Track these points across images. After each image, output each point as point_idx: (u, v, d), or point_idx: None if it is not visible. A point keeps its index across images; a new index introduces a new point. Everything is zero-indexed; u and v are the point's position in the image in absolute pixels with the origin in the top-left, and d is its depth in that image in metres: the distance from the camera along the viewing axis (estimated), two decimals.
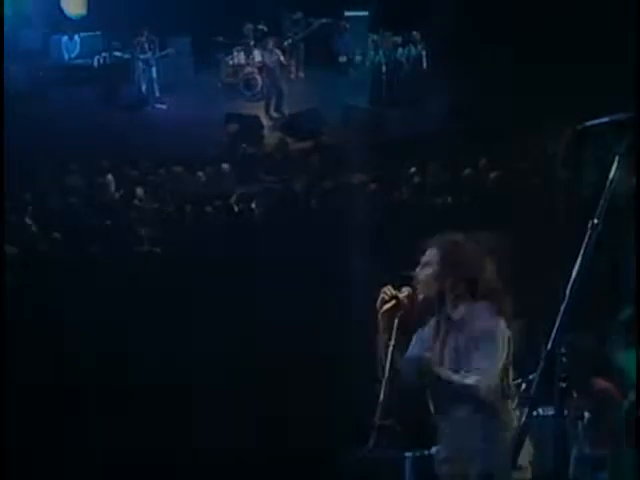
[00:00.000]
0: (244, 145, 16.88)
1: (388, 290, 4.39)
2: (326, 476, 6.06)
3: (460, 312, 4.39)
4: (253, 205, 13.02)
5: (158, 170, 14.80)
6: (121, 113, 18.90)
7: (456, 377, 4.27)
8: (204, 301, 9.38)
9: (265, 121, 18.50)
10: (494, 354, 4.24)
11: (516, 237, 4.82)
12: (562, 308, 3.21)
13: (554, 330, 3.23)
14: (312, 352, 7.87)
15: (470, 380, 4.21)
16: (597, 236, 3.16)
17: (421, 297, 4.41)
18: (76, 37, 20.53)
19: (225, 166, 15.20)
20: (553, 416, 3.21)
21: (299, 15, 20.92)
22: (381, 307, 4.36)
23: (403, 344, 4.36)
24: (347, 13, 21.71)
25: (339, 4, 21.26)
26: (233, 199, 13.19)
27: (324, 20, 21.08)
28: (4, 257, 9.66)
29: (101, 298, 9.32)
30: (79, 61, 20.49)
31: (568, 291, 3.20)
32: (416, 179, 13.54)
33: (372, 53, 19.86)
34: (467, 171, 13.58)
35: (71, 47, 20.53)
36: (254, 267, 10.07)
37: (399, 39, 19.93)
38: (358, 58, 20.94)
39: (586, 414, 4.17)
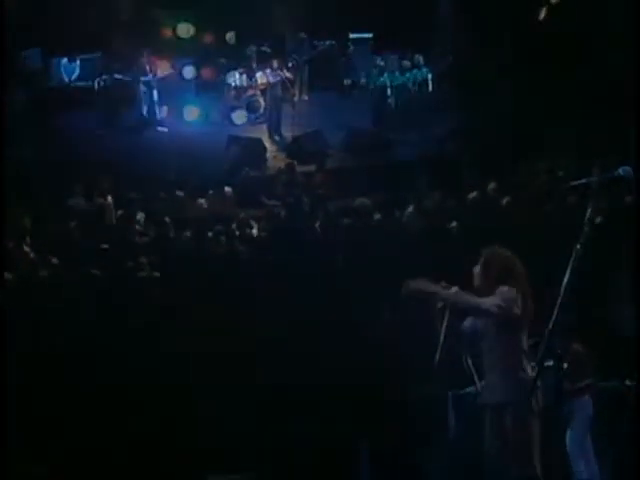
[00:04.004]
0: (246, 168, 16.94)
1: None
2: (397, 408, 8.11)
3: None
4: (255, 229, 13.07)
5: (159, 194, 14.86)
6: (122, 136, 19.00)
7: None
8: (204, 326, 9.42)
9: (268, 144, 18.57)
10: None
11: (522, 252, 6.65)
12: (558, 302, 5.16)
13: (554, 315, 5.20)
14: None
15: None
16: (580, 255, 5.16)
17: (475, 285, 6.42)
18: (76, 59, 20.67)
19: (227, 190, 15.26)
20: (552, 367, 5.42)
21: (303, 37, 21.02)
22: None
23: (453, 323, 6.34)
24: (352, 35, 21.83)
25: (344, 26, 21.37)
26: (235, 223, 13.23)
27: (328, 42, 21.20)
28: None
29: (101, 323, 9.37)
30: (79, 83, 20.63)
31: (562, 290, 5.16)
32: (421, 203, 13.58)
33: (377, 75, 19.95)
34: (473, 195, 13.62)
35: (71, 69, 20.67)
36: (256, 292, 10.13)
37: (404, 62, 20.03)
38: (362, 80, 21.03)
39: (565, 365, 5.84)
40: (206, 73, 20.77)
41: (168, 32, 20.80)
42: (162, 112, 19.80)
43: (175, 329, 9.34)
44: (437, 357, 6.09)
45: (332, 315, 9.46)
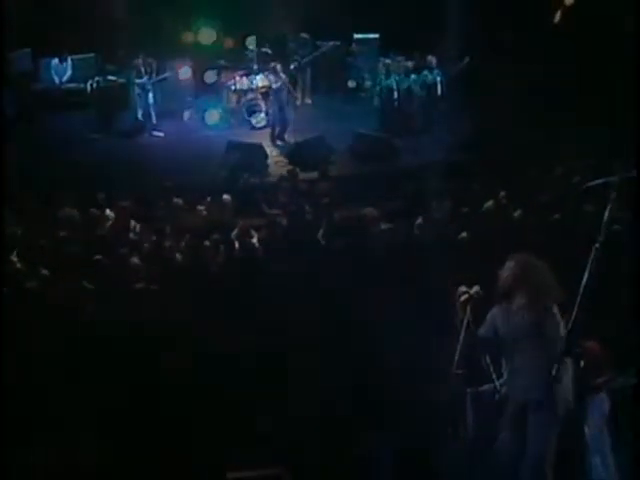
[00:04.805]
0: (246, 175, 16.95)
1: (462, 288, 7.18)
2: (423, 405, 8.56)
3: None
4: (255, 239, 13.06)
5: (155, 202, 14.86)
6: (115, 141, 19.03)
7: None
8: (202, 342, 9.43)
9: (269, 150, 18.58)
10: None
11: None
12: (577, 301, 6.00)
13: (572, 316, 6.07)
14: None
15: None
16: (598, 255, 5.82)
17: (501, 291, 7.14)
18: (67, 60, 20.71)
19: (226, 197, 15.25)
20: (571, 365, 6.52)
21: (306, 37, 21.04)
22: (458, 299, 7.10)
23: (473, 323, 7.08)
24: (357, 35, 21.87)
25: (348, 26, 21.38)
26: (234, 233, 13.24)
27: (332, 43, 21.22)
28: None
29: (94, 339, 9.37)
30: (71, 85, 20.67)
31: (581, 290, 5.95)
32: (430, 212, 13.59)
33: (383, 78, 19.95)
34: (485, 205, 13.63)
35: (62, 70, 20.71)
36: (256, 305, 10.13)
37: (412, 63, 20.02)
38: (368, 83, 21.06)
39: (582, 362, 7.01)
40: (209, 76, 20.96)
41: (168, 34, 20.90)
42: (185, 116, 19.96)
43: (172, 342, 9.36)
44: (457, 355, 6.79)
45: (339, 321, 9.63)
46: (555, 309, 7.04)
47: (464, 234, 12.23)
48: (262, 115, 19.78)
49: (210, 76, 20.66)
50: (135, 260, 11.87)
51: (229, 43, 21.44)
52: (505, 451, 7.24)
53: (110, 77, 20.00)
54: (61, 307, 10.19)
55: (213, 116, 19.91)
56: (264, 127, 19.48)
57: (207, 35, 21.12)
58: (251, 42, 20.79)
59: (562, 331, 6.94)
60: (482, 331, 7.24)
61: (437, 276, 9.51)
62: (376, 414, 8.82)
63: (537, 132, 17.02)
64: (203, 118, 19.94)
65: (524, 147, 16.49)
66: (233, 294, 10.68)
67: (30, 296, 10.48)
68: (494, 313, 7.28)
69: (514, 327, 7.14)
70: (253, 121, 19.84)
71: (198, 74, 20.94)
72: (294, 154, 18.22)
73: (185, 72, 20.53)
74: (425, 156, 17.58)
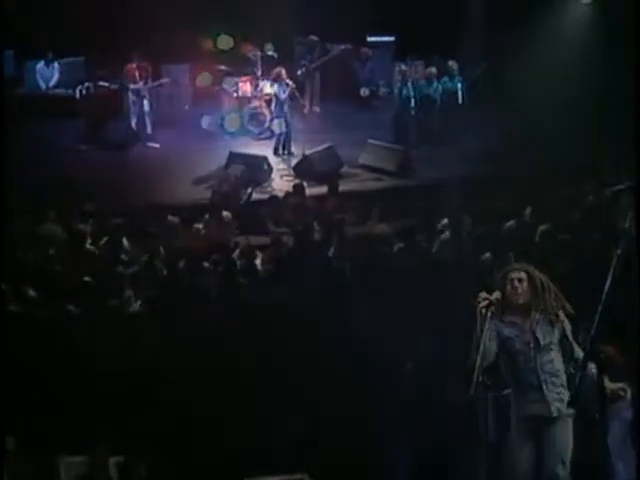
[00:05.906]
0: (249, 190, 16.98)
1: (483, 294, 7.41)
2: (442, 411, 9.12)
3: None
4: (259, 260, 13.10)
5: (149, 219, 14.89)
6: (107, 152, 19.05)
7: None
8: (199, 371, 9.47)
9: (274, 162, 18.62)
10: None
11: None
12: (599, 309, 6.30)
13: (595, 322, 6.39)
14: None
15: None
16: (620, 261, 6.15)
17: (520, 301, 7.59)
18: (55, 63, 20.78)
19: (226, 214, 15.28)
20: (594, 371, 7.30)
21: (315, 40, 21.08)
22: (478, 304, 7.32)
23: (493, 329, 7.44)
24: (370, 38, 21.90)
25: (361, 28, 21.42)
26: (236, 253, 13.28)
27: (343, 46, 21.27)
28: None
29: (82, 366, 9.41)
30: (58, 91, 20.74)
31: (604, 297, 6.26)
32: (449, 230, 13.61)
33: (399, 84, 19.98)
34: (509, 223, 13.64)
35: (48, 75, 20.79)
36: (259, 330, 10.16)
37: (431, 69, 20.04)
38: (383, 90, 21.08)
39: (604, 369, 7.36)
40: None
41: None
42: (204, 123, 20.04)
43: (166, 372, 9.41)
44: (478, 360, 7.14)
45: (359, 334, 9.85)
46: (566, 322, 7.55)
47: (487, 254, 12.24)
48: (280, 120, 19.71)
49: (229, 82, 20.67)
50: (128, 282, 11.93)
51: (231, 46, 21.49)
52: (523, 460, 7.63)
53: (101, 83, 20.04)
54: (49, 330, 10.27)
55: (234, 122, 20.00)
56: (280, 134, 19.41)
57: (210, 38, 21.21)
58: (269, 48, 20.88)
59: (573, 342, 7.54)
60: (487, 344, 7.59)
61: (455, 291, 9.64)
62: (397, 418, 9.17)
63: (564, 144, 17.04)
64: (222, 125, 19.99)
65: (549, 160, 16.52)
66: (235, 319, 10.72)
67: (16, 318, 10.55)
68: (496, 328, 7.66)
69: (525, 341, 7.60)
70: (274, 128, 19.84)
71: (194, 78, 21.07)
72: (301, 167, 18.24)
73: (204, 78, 20.65)
74: (444, 169, 17.59)
